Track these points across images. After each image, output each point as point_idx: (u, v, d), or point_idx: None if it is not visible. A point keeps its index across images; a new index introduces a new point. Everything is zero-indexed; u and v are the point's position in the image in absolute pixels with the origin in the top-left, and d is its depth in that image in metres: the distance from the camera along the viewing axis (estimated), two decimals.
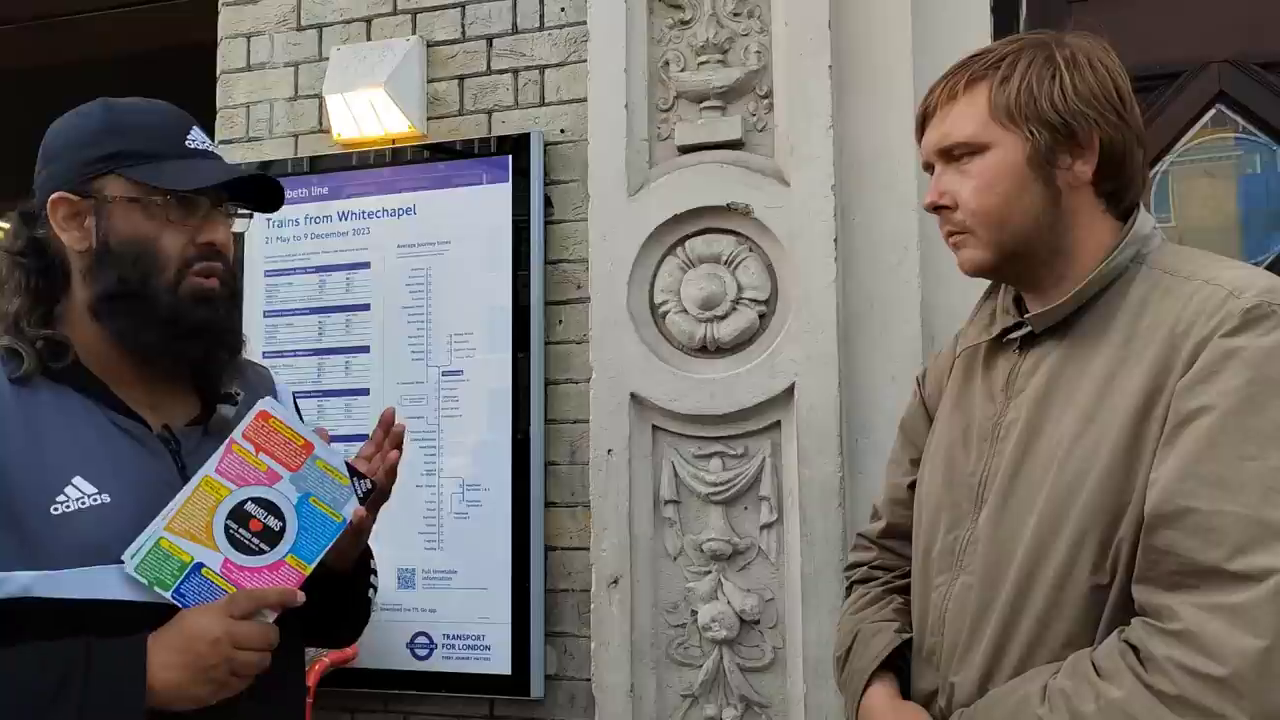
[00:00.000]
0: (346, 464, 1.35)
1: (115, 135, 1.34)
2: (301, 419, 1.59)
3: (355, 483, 1.34)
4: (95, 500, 1.25)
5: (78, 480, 1.25)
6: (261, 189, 1.44)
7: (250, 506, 1.29)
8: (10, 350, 1.30)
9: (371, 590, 1.53)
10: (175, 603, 1.24)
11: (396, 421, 1.44)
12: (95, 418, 1.31)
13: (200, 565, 1.26)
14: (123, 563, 1.24)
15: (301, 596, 1.28)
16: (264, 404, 1.32)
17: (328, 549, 1.32)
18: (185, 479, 1.33)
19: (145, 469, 1.31)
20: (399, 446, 1.42)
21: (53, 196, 1.32)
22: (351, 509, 1.33)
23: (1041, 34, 1.37)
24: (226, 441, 1.30)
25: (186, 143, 1.37)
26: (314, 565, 1.31)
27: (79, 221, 1.33)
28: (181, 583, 1.25)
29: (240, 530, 1.28)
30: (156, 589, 1.23)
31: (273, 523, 1.29)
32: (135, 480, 1.29)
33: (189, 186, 1.34)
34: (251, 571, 1.28)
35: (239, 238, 2.69)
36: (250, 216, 1.46)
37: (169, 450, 1.34)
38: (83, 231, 1.33)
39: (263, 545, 1.29)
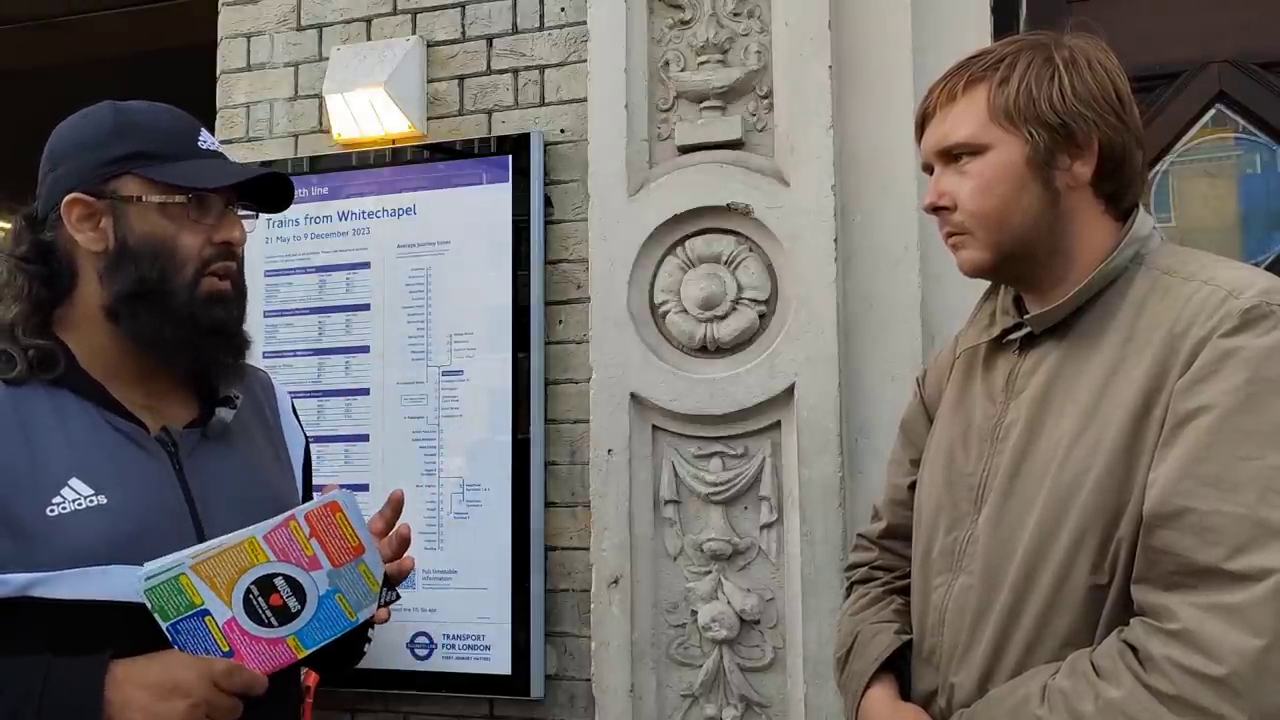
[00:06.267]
0: (385, 574, 1.34)
1: (129, 136, 1.34)
2: (300, 421, 1.59)
3: (384, 592, 1.33)
4: (92, 501, 1.25)
5: (74, 482, 1.25)
6: (269, 188, 1.44)
7: (279, 581, 1.26)
8: (3, 353, 1.30)
9: (367, 643, 1.53)
10: (167, 635, 1.22)
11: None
12: (92, 420, 1.31)
13: (206, 612, 1.23)
14: (115, 563, 1.23)
15: (264, 685, 1.25)
16: (339, 496, 1.29)
17: (329, 641, 1.30)
18: (183, 481, 1.33)
19: (143, 471, 1.31)
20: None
21: (68, 198, 1.32)
22: (368, 614, 1.32)
23: (1041, 35, 1.37)
24: (286, 515, 1.26)
25: (199, 144, 1.38)
26: (310, 652, 1.29)
27: (94, 222, 1.33)
28: (180, 620, 1.22)
29: (259, 599, 1.25)
30: (155, 615, 1.21)
31: (293, 604, 1.27)
32: (132, 482, 1.28)
33: (210, 185, 1.34)
34: (251, 639, 1.25)
35: None
36: (257, 216, 1.46)
37: (167, 452, 1.34)
38: (98, 232, 1.32)
39: (274, 620, 1.26)
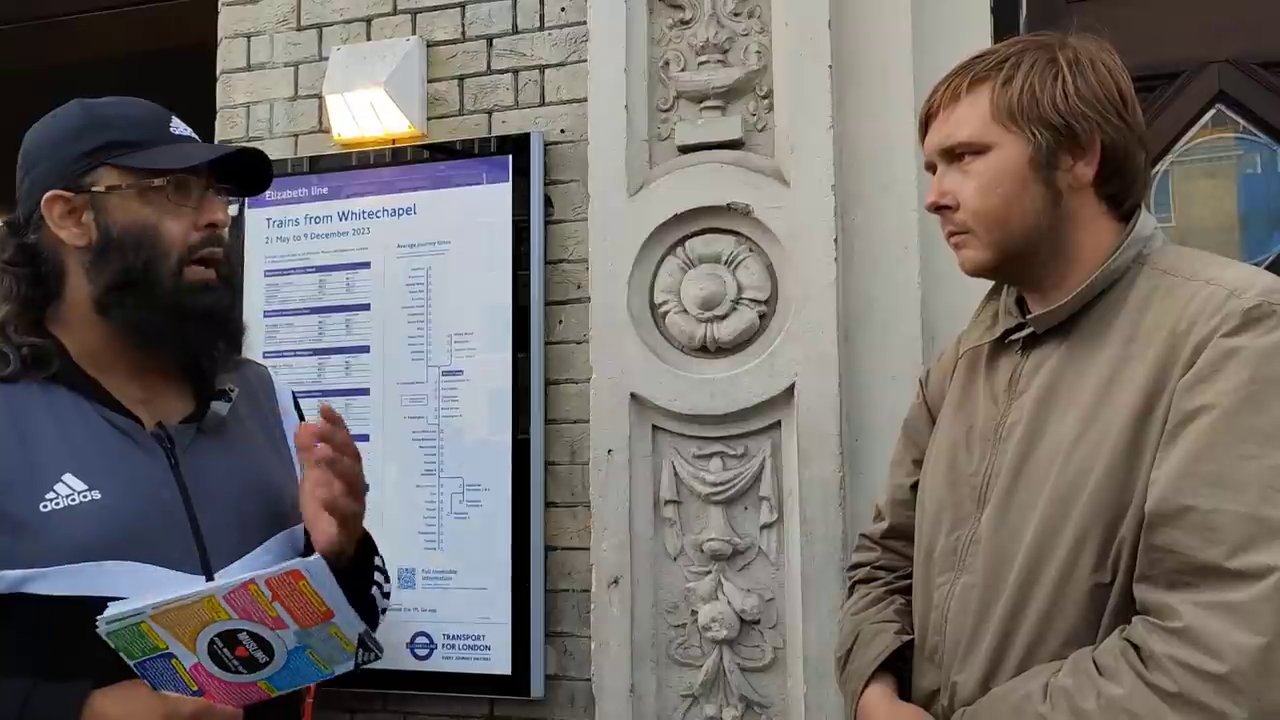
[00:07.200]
0: (360, 636, 1.26)
1: (100, 128, 1.34)
2: (302, 417, 1.59)
3: (360, 653, 1.27)
4: (86, 497, 1.25)
5: (68, 477, 1.25)
6: (250, 172, 1.44)
7: (243, 636, 1.21)
8: None
9: (377, 589, 1.46)
10: (135, 671, 1.20)
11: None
12: (87, 415, 1.31)
13: (171, 655, 1.20)
14: (110, 559, 1.23)
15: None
16: (302, 565, 1.20)
17: (301, 687, 1.27)
18: (178, 476, 1.33)
19: (137, 466, 1.31)
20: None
21: (47, 196, 1.32)
22: (345, 669, 1.27)
23: (1044, 35, 1.37)
24: (246, 578, 1.19)
25: (171, 129, 1.38)
26: (280, 693, 1.26)
27: (76, 217, 1.33)
28: (148, 660, 1.20)
29: (224, 650, 1.21)
30: (121, 653, 1.19)
31: (260, 656, 1.22)
32: (127, 477, 1.29)
33: (185, 165, 1.34)
34: (219, 682, 1.22)
35: (235, 225, 2.70)
36: (241, 199, 1.46)
37: (162, 448, 1.34)
38: (81, 227, 1.33)
39: (241, 669, 1.23)
